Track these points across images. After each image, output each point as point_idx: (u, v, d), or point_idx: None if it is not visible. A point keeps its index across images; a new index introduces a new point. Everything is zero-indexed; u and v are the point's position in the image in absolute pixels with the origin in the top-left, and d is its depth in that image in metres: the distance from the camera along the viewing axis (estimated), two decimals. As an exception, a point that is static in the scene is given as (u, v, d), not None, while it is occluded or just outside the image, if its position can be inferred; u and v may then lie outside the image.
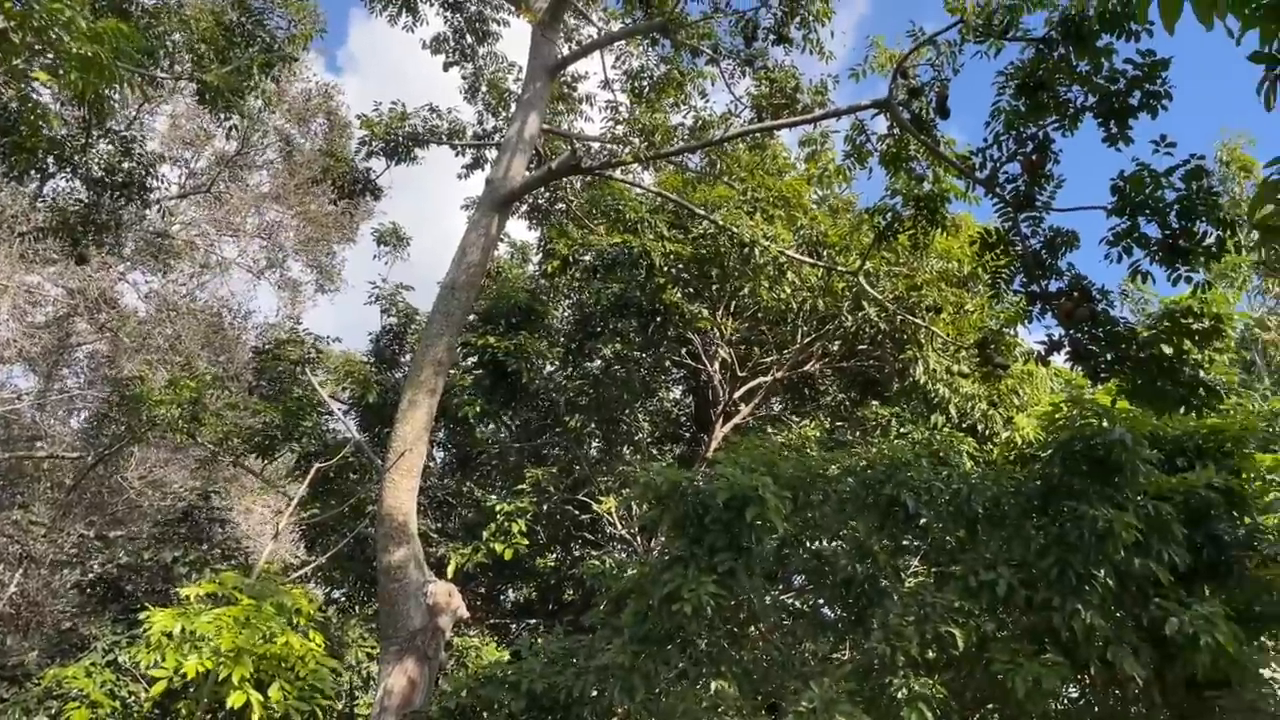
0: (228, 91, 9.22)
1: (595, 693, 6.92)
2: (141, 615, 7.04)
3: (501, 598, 14.89)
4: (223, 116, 9.95)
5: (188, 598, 6.36)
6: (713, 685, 6.90)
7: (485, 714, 7.48)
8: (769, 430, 11.93)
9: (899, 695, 6.14)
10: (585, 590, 11.55)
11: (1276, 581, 7.59)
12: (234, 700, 5.80)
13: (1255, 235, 5.34)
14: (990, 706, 6.98)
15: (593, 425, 12.76)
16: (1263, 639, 7.88)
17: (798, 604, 8.00)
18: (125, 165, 10.29)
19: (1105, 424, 7.10)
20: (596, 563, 9.29)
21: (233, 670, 5.81)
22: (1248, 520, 7.72)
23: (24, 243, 14.27)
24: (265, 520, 18.49)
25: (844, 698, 6.06)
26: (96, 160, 9.98)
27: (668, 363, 14.52)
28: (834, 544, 7.55)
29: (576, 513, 12.68)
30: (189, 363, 19.12)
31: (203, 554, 10.30)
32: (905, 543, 7.33)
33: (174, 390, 10.62)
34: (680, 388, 16.59)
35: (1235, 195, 19.50)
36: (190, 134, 22.83)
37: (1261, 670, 7.58)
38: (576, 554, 13.52)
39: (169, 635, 6.02)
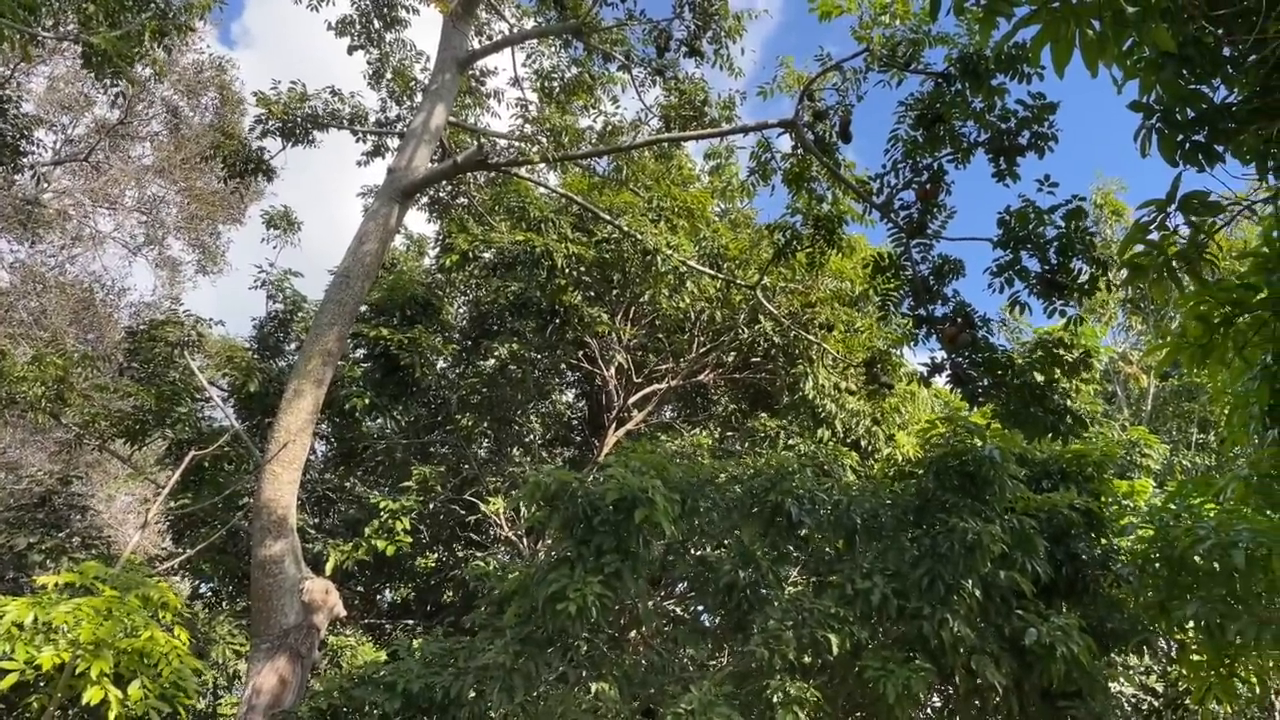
0: (115, 56, 8.75)
1: (474, 694, 6.85)
2: (-12, 605, 6.60)
3: (379, 598, 14.54)
4: (108, 83, 9.45)
5: (44, 586, 5.99)
6: (593, 688, 6.91)
7: (358, 715, 7.30)
8: (661, 437, 12.03)
9: (775, 698, 6.29)
10: (466, 592, 11.39)
11: (1127, 601, 8.12)
12: (91, 696, 5.48)
13: (1124, 273, 5.70)
14: (860, 714, 7.21)
15: (484, 425, 12.60)
16: (1112, 655, 8.40)
17: (680, 610, 8.10)
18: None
19: (978, 442, 7.46)
20: (481, 563, 9.18)
21: (91, 664, 5.49)
22: (1104, 541, 8.22)
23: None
24: (129, 509, 17.61)
25: (722, 700, 6.16)
26: (-34, 117, 9.32)
27: (563, 365, 14.48)
28: (718, 551, 7.68)
29: (462, 513, 12.50)
30: (55, 339, 18.05)
31: (60, 541, 9.71)
32: (787, 550, 7.51)
33: (38, 367, 9.98)
34: (574, 391, 16.57)
35: (1107, 237, 20.70)
36: (69, 98, 21.58)
37: (1110, 684, 8.07)
38: (460, 555, 13.32)
39: (21, 626, 5.65)
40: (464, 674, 7.02)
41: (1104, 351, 11.64)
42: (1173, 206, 4.68)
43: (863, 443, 10.97)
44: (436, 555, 13.34)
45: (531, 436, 14.55)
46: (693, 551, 7.67)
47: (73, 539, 10.21)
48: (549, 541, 7.32)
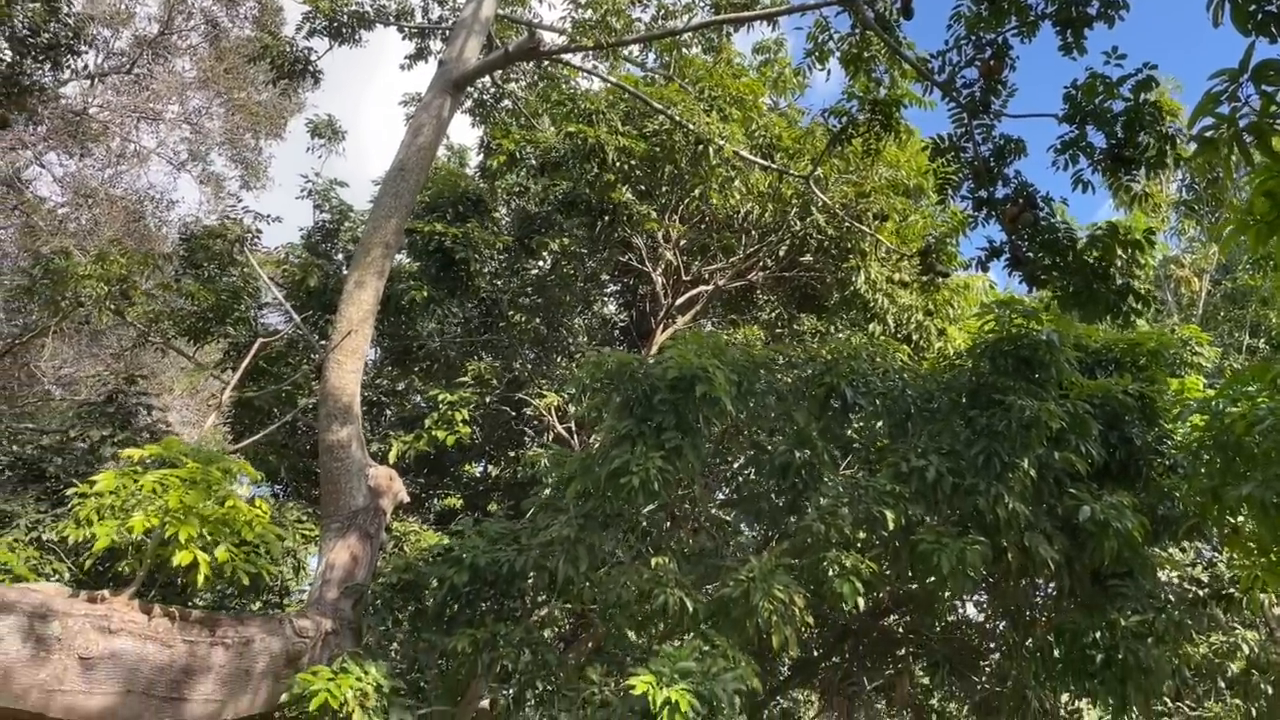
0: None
1: (537, 568, 7.11)
2: (69, 491, 6.93)
3: (428, 506, 14.98)
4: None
5: (131, 458, 6.27)
6: (653, 562, 7.13)
7: (426, 590, 7.62)
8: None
9: (831, 570, 6.46)
10: (523, 483, 11.71)
11: (1178, 487, 8.15)
12: (181, 559, 5.78)
13: (1192, 147, 5.59)
14: (914, 587, 7.39)
15: (534, 323, 12.77)
16: (1164, 541, 8.48)
17: (737, 493, 8.28)
18: (52, 26, 9.71)
19: (1033, 325, 7.45)
20: (538, 449, 9.41)
21: (179, 529, 5.78)
22: (1157, 427, 8.22)
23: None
24: (191, 411, 18.13)
25: (780, 570, 6.35)
26: (22, 18, 9.39)
27: (606, 277, 14.53)
28: (774, 435, 7.80)
29: (513, 414, 12.76)
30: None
31: (131, 435, 10.09)
32: (841, 433, 7.61)
33: (102, 265, 10.22)
34: (617, 302, 16.66)
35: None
36: (108, 12, 21.56)
37: (1159, 569, 8.18)
38: (513, 454, 13.65)
39: (113, 492, 5.95)
40: (527, 550, 7.28)
41: (1158, 248, 11.46)
42: (1245, 76, 4.56)
43: (914, 337, 10.97)
44: (488, 453, 13.68)
45: (578, 341, 14.71)
46: (749, 433, 7.79)
47: (141, 434, 10.59)
48: (599, 434, 7.48)
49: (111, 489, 6.00)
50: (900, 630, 12.12)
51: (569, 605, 7.65)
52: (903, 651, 11.57)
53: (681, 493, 7.69)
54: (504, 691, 6.77)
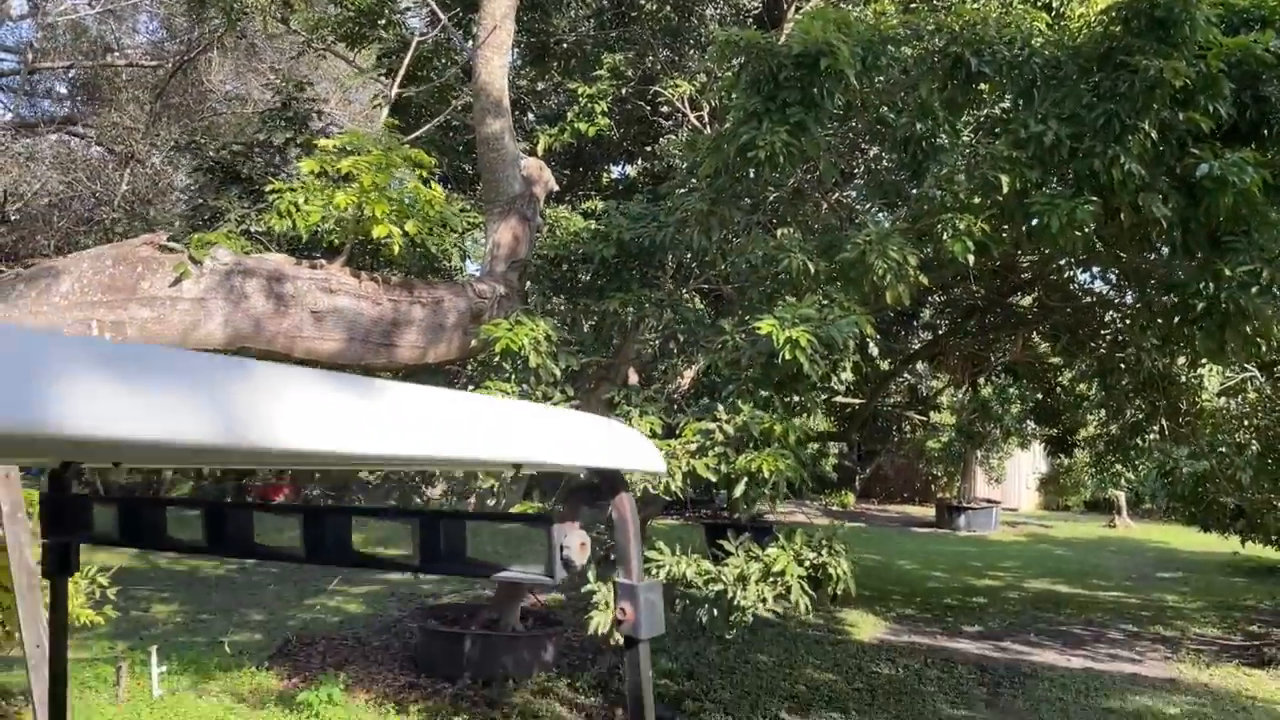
0: None
1: (675, 240, 8.00)
2: (267, 189, 8.08)
3: (580, 198, 15.92)
4: None
5: (325, 148, 7.31)
6: (779, 232, 7.89)
7: (579, 261, 8.70)
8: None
9: (946, 233, 7.04)
10: (659, 176, 12.42)
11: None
12: (379, 231, 6.91)
13: None
14: (1033, 257, 7.90)
15: (666, 10, 12.84)
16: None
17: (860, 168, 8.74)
18: None
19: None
20: (674, 137, 10.01)
21: (375, 207, 6.87)
22: (1298, 85, 8.00)
23: None
24: (346, 119, 19.33)
25: (895, 234, 6.99)
26: None
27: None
28: (898, 108, 8.11)
29: (648, 107, 13.22)
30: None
31: (310, 136, 11.21)
32: (964, 102, 7.84)
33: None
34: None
35: None
36: None
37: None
38: (648, 149, 14.28)
39: (316, 174, 7.04)
40: (665, 226, 8.14)
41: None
42: None
43: (1054, 4, 10.53)
44: (625, 150, 14.33)
45: (709, 34, 14.64)
46: (873, 106, 8.11)
47: (316, 136, 11.72)
48: (730, 115, 7.95)
49: (314, 171, 7.08)
50: (1024, 306, 12.71)
51: (703, 272, 8.60)
52: (1028, 323, 12.24)
53: (806, 168, 8.25)
54: (651, 343, 7.93)
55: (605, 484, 1.47)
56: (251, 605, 13.62)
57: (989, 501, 27.63)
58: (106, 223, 18.61)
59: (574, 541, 1.45)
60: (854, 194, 9.47)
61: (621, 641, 1.44)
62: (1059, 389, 14.51)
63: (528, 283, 8.70)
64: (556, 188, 9.94)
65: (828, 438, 16.95)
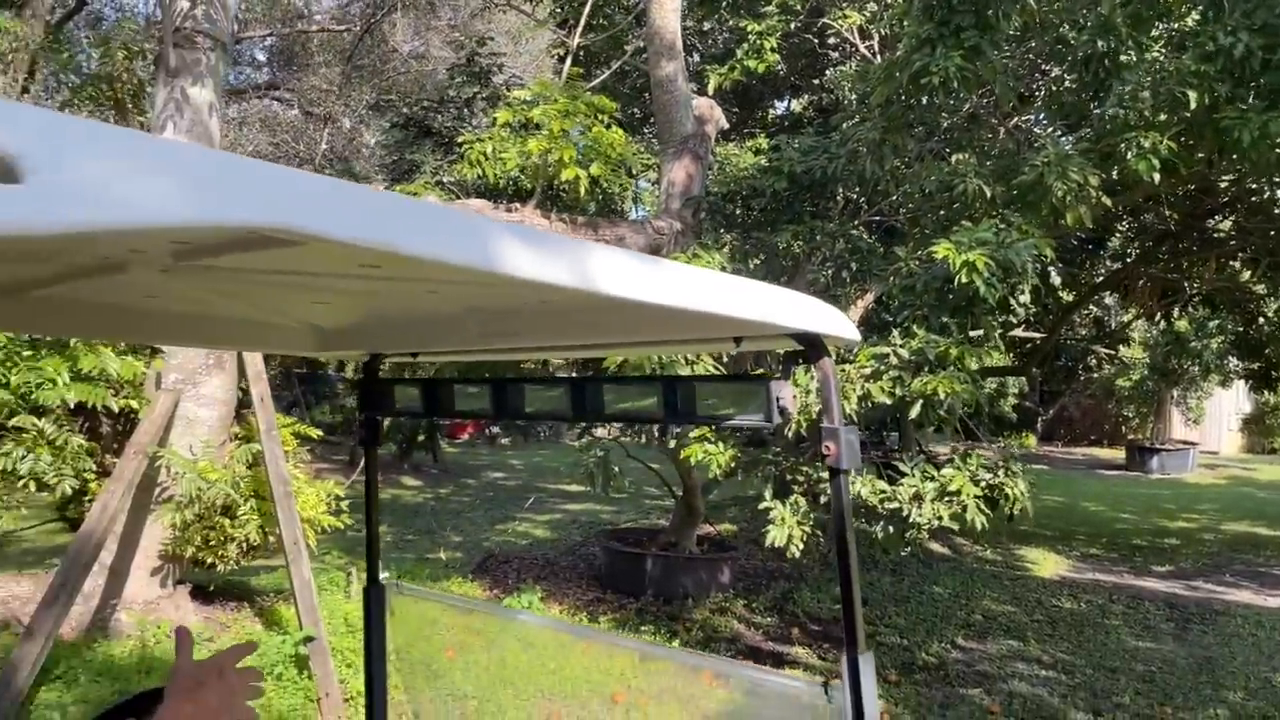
0: None
1: (846, 171, 8.14)
2: (459, 140, 8.74)
3: (749, 135, 16.08)
4: None
5: (514, 99, 7.89)
6: (954, 158, 7.89)
7: (751, 195, 8.98)
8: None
9: (1130, 153, 6.89)
10: (828, 109, 12.41)
11: None
12: (567, 175, 7.45)
13: None
14: (1214, 164, 7.57)
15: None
16: None
17: (1039, 91, 8.55)
18: None
19: None
20: (843, 68, 10.04)
21: (563, 151, 7.39)
22: None
23: None
24: (520, 71, 20.11)
25: (1077, 156, 6.90)
26: None
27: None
28: (1078, 27, 7.88)
29: (816, 40, 13.18)
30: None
31: (494, 90, 11.90)
32: (1149, 15, 7.54)
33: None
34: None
35: None
36: None
37: None
38: (817, 82, 14.24)
39: (506, 125, 7.63)
40: (836, 157, 8.29)
41: None
42: None
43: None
44: (793, 85, 14.35)
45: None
46: (1052, 29, 7.93)
47: (500, 88, 12.43)
48: (902, 43, 7.94)
49: (507, 121, 7.67)
50: (1223, 230, 12.02)
51: (875, 202, 8.71)
52: (1226, 249, 11.59)
53: (982, 93, 8.17)
54: (824, 272, 8.16)
55: (809, 348, 1.83)
56: (449, 529, 14.87)
57: (1185, 443, 26.09)
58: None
59: (787, 394, 1.84)
60: (1033, 117, 9.25)
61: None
62: (1262, 320, 13.64)
63: (702, 218, 9.06)
64: (727, 125, 10.21)
65: (1006, 372, 16.60)
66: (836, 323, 1.83)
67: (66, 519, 9.13)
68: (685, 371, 6.27)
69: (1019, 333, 11.46)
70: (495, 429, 31.70)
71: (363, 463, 2.81)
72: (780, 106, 16.03)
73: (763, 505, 7.04)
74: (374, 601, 2.67)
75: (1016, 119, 8.83)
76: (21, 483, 6.63)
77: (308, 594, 6.60)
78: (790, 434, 6.82)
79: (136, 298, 1.98)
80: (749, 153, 10.46)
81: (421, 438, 22.60)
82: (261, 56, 26.85)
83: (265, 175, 0.94)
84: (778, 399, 1.81)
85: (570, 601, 10.37)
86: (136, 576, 7.35)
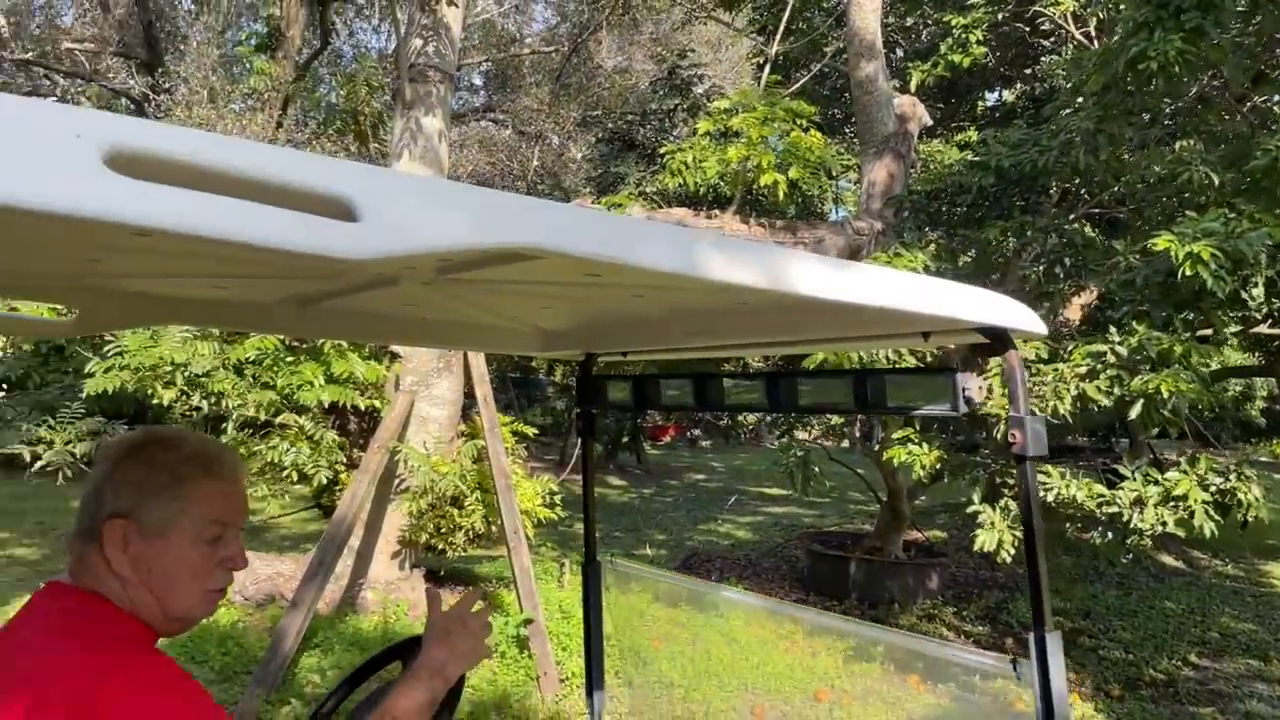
0: None
1: (1058, 163, 7.82)
2: (661, 150, 9.07)
3: (955, 130, 15.61)
4: None
5: (715, 109, 8.16)
6: (1177, 145, 7.41)
7: (955, 195, 8.78)
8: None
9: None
10: (1040, 99, 11.88)
11: None
12: (765, 180, 7.62)
13: None
14: None
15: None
16: None
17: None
18: None
19: None
20: (1056, 57, 9.60)
21: (761, 158, 7.57)
22: None
23: None
24: (724, 70, 20.40)
25: (1322, 135, 6.33)
26: None
27: None
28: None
29: (1027, 29, 12.64)
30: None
31: (695, 101, 12.24)
32: None
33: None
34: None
35: None
36: None
37: None
38: (1028, 72, 13.63)
39: (706, 134, 7.90)
40: (1047, 150, 7.98)
41: None
42: None
43: None
44: (1002, 75, 13.79)
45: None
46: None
47: (700, 99, 12.76)
48: (1119, 29, 7.54)
49: (707, 131, 7.94)
50: None
51: (1092, 195, 8.30)
52: None
53: (1211, 74, 7.63)
54: (1035, 269, 7.88)
55: (995, 341, 1.93)
56: (653, 528, 15.32)
57: None
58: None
59: (973, 385, 1.95)
60: (1272, 98, 8.50)
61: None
62: None
63: (904, 217, 8.96)
64: (930, 122, 10.03)
65: (1250, 372, 15.17)
66: (1022, 317, 1.93)
67: (321, 507, 10.22)
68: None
69: (1264, 329, 10.44)
70: (696, 431, 32.20)
71: (575, 456, 3.12)
72: (990, 99, 15.45)
73: (971, 509, 6.91)
74: (592, 577, 2.96)
75: (1252, 100, 8.15)
76: (285, 473, 7.55)
77: (526, 579, 7.11)
78: (999, 435, 6.65)
79: (398, 307, 2.36)
80: (954, 148, 10.19)
81: (625, 440, 23.39)
82: (478, 81, 28.65)
83: (519, 206, 1.20)
84: (964, 389, 1.93)
85: (774, 603, 10.49)
86: (379, 560, 8.16)
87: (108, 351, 7.33)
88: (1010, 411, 1.91)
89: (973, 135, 14.34)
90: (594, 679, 2.93)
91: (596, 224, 1.26)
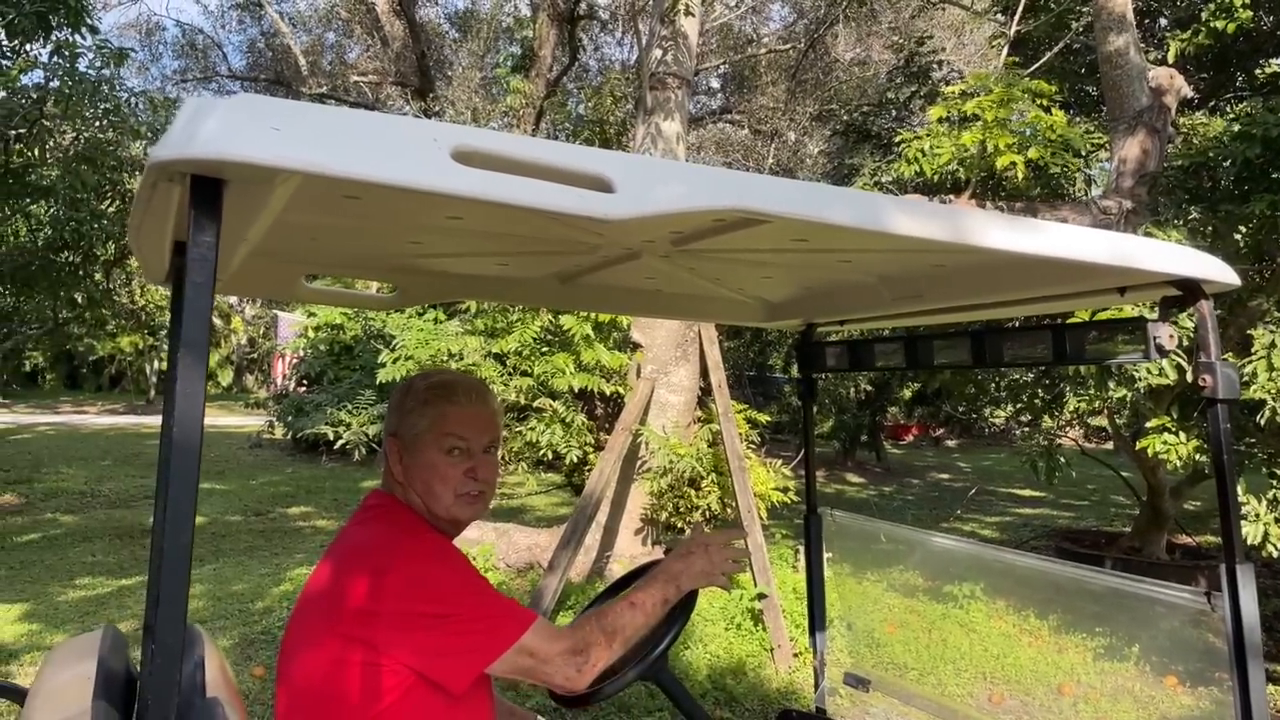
0: None
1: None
2: (897, 139, 9.06)
3: (1227, 101, 14.25)
4: None
5: (948, 95, 8.09)
6: None
7: (1216, 167, 8.18)
8: None
9: None
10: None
11: None
12: (1002, 162, 7.48)
13: None
14: None
15: None
16: None
17: None
18: None
19: None
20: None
21: (998, 140, 7.44)
22: None
23: None
24: (970, 54, 19.72)
25: None
26: None
27: None
28: None
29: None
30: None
31: (932, 88, 12.04)
32: None
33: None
34: None
35: None
36: None
37: None
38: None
39: (944, 119, 7.87)
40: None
41: None
42: None
43: None
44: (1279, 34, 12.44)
45: None
46: None
47: (938, 85, 12.52)
48: None
49: (942, 116, 7.91)
50: None
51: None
52: None
53: None
54: (1312, 245, 7.21)
55: (1188, 293, 2.05)
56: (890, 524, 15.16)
57: None
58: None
59: (1164, 333, 2.08)
60: None
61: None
62: None
63: (1158, 194, 8.44)
64: (1190, 94, 9.35)
65: None
66: (1214, 268, 2.04)
67: (572, 484, 11.07)
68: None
69: None
70: (940, 430, 31.13)
71: (802, 415, 3.40)
72: (1275, 64, 13.99)
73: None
74: (813, 527, 3.25)
75: None
76: (541, 451, 8.34)
77: (760, 556, 7.45)
78: (1264, 421, 6.22)
79: (640, 280, 2.78)
80: (1220, 120, 9.40)
81: (864, 438, 23.11)
82: (715, 84, 29.30)
83: (736, 177, 1.55)
84: (1155, 338, 2.07)
85: (1016, 599, 10.20)
86: (623, 535, 8.80)
87: (394, 345, 8.43)
88: (1200, 357, 2.03)
89: (1249, 107, 12.94)
90: (816, 620, 3.22)
91: (799, 190, 1.58)
